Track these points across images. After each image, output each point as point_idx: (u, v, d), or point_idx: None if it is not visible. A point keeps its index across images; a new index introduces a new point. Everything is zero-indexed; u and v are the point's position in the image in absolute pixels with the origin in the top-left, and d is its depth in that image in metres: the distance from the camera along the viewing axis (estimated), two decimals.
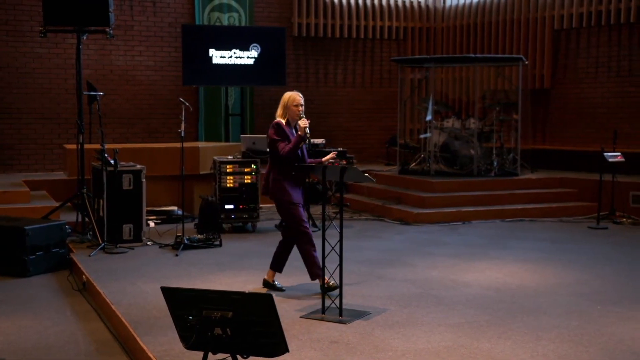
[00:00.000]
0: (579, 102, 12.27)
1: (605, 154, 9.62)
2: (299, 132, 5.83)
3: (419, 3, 13.97)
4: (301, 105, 5.93)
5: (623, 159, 9.74)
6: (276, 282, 6.13)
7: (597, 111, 12.02)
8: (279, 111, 6.00)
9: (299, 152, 5.94)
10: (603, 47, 11.93)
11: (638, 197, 10.11)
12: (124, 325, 5.05)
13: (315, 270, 5.84)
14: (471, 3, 13.60)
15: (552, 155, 12.46)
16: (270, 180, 6.00)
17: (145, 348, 4.53)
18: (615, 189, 9.90)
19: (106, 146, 7.95)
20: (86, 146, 8.66)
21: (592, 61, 12.08)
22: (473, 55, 11.95)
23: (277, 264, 6.11)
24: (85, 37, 8.90)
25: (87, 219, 8.42)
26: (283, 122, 5.94)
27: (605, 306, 5.64)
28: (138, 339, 4.71)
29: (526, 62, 11.73)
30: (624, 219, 9.88)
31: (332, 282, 5.67)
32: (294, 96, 5.96)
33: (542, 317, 5.33)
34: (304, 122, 5.84)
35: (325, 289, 5.48)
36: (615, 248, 8.13)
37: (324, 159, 6.03)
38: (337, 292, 5.36)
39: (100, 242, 7.77)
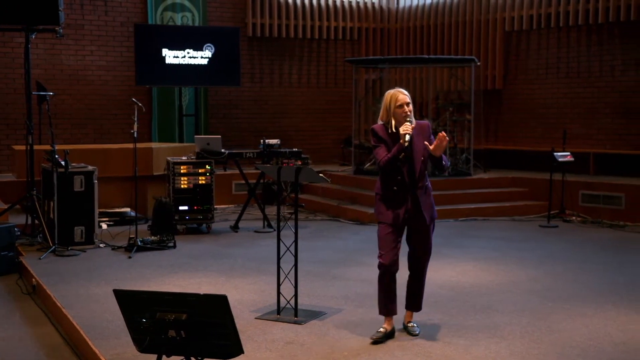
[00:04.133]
0: (529, 103, 12.49)
1: (555, 153, 9.80)
2: (400, 140, 4.67)
3: (373, 4, 14.05)
4: (406, 104, 4.71)
5: (572, 159, 9.93)
6: (412, 324, 5.03)
7: (547, 112, 12.25)
8: (381, 113, 4.84)
9: (406, 164, 4.73)
10: (552, 48, 12.16)
11: (587, 195, 10.33)
12: (75, 329, 4.96)
13: (381, 307, 4.91)
14: (424, 4, 13.72)
15: (504, 155, 12.64)
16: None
17: (97, 352, 4.46)
18: (565, 188, 10.09)
19: (56, 147, 7.81)
20: (36, 147, 8.50)
21: (542, 62, 12.31)
22: (427, 56, 12.07)
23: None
24: (34, 36, 8.73)
25: (37, 221, 8.25)
26: (381, 123, 4.82)
27: (556, 303, 5.75)
28: (90, 342, 4.63)
29: (478, 63, 11.89)
30: (574, 218, 10.08)
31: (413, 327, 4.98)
32: (395, 95, 4.74)
33: (495, 315, 5.40)
34: (404, 128, 4.65)
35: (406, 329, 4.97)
36: (565, 246, 8.29)
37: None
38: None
39: (51, 245, 7.62)
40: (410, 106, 4.76)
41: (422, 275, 5.00)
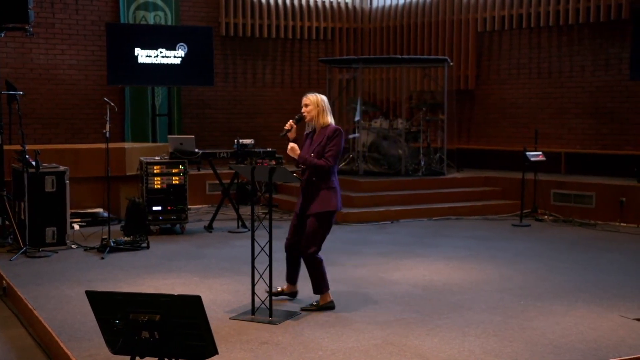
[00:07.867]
0: (501, 103, 12.60)
1: (527, 153, 9.89)
2: None
3: (346, 4, 14.07)
4: (304, 105, 5.73)
5: (544, 158, 10.04)
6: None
7: (519, 111, 12.36)
8: None
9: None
10: (524, 49, 12.28)
11: (559, 195, 10.45)
12: (46, 331, 4.91)
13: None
14: (397, 5, 13.78)
15: (476, 154, 12.74)
16: None
17: (69, 354, 4.42)
18: (537, 187, 10.20)
19: (27, 147, 7.72)
20: (6, 147, 8.40)
21: (514, 63, 12.43)
22: (400, 57, 12.12)
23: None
24: (3, 35, 8.62)
25: (7, 222, 8.15)
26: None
27: (528, 301, 5.80)
28: (62, 344, 4.58)
29: (451, 64, 11.97)
30: (546, 216, 10.18)
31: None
32: None
33: (468, 313, 5.44)
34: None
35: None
36: (538, 245, 8.37)
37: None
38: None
39: (22, 246, 7.53)
40: (309, 107, 5.64)
41: (304, 259, 5.55)
